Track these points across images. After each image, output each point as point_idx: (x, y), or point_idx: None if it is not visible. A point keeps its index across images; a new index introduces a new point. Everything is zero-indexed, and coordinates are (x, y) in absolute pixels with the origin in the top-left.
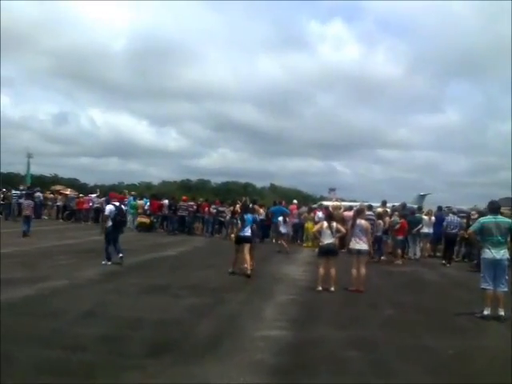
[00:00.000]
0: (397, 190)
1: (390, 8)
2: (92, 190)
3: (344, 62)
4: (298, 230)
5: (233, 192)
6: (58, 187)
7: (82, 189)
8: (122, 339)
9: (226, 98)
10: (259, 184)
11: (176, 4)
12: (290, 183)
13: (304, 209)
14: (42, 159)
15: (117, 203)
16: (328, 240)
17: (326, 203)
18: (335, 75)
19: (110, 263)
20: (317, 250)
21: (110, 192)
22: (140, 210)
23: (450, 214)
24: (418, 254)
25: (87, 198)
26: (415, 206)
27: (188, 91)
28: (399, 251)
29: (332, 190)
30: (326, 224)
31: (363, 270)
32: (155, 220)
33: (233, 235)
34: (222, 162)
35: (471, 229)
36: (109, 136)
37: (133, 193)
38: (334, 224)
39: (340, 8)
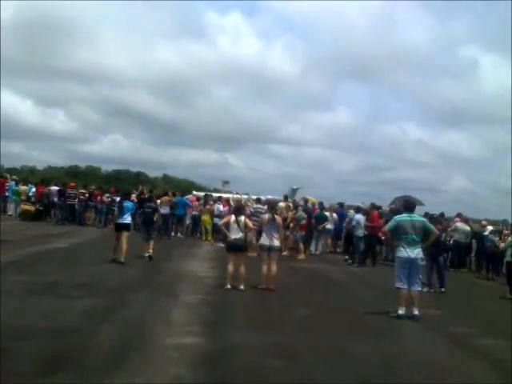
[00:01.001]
0: (289, 185)
1: (289, 7)
2: None
3: (242, 55)
4: (197, 222)
5: (124, 181)
6: None
7: None
8: (5, 353)
9: (121, 83)
10: (152, 174)
11: None
12: (183, 174)
13: (201, 201)
14: None
15: None
16: (236, 235)
17: (224, 195)
18: (232, 68)
19: None
20: (218, 244)
21: None
22: (23, 197)
23: (351, 211)
24: (320, 249)
25: None
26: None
27: (80, 72)
28: (302, 246)
29: (226, 182)
30: (233, 218)
31: (274, 268)
32: (41, 208)
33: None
34: (113, 148)
35: (387, 227)
36: None
37: (14, 177)
38: (242, 218)
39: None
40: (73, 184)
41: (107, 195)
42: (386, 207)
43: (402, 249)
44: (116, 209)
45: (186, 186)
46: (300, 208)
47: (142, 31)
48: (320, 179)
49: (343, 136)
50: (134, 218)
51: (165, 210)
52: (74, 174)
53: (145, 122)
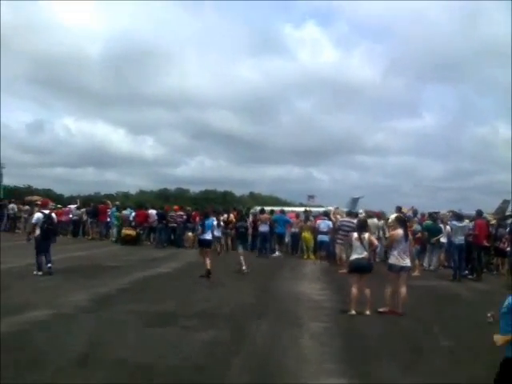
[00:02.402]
0: (374, 197)
1: (365, 10)
2: (69, 200)
3: (321, 66)
4: (297, 240)
5: (212, 201)
6: (34, 198)
7: (58, 200)
8: None
9: (204, 105)
10: (238, 192)
11: (153, 8)
12: (268, 190)
13: (303, 217)
14: (15, 170)
15: (46, 211)
16: (359, 254)
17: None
18: (313, 80)
19: (40, 273)
20: (322, 262)
21: (43, 199)
22: (126, 222)
23: (466, 221)
24: (435, 264)
25: (66, 209)
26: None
27: (165, 98)
28: (417, 262)
29: (311, 196)
30: (356, 235)
31: (404, 290)
32: (141, 232)
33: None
34: (200, 170)
35: None
36: (84, 145)
37: (117, 203)
38: (366, 235)
39: (313, 10)
40: (177, 207)
41: None
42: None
43: None
44: (199, 227)
45: (272, 202)
46: (416, 220)
47: (221, 51)
48: (407, 187)
49: (430, 141)
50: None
51: (264, 228)
52: (165, 196)
53: (229, 142)
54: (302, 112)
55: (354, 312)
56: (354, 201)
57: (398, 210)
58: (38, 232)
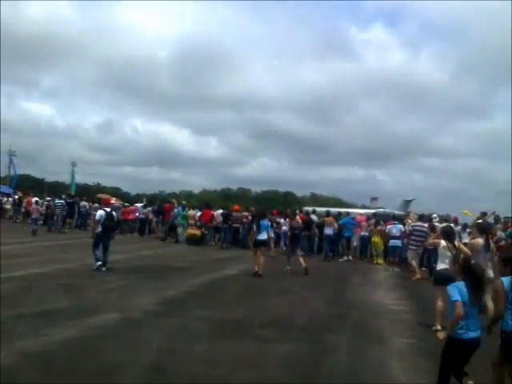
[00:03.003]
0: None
1: (435, 10)
2: (135, 199)
3: (388, 67)
4: (366, 244)
5: (273, 201)
6: (103, 195)
7: (125, 198)
8: None
9: (268, 107)
10: (299, 193)
11: (220, 13)
12: (330, 192)
13: (372, 221)
14: (87, 168)
15: (108, 209)
16: (447, 264)
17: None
18: (379, 81)
19: (104, 269)
20: (394, 268)
21: (105, 198)
22: (191, 221)
23: None
24: None
25: (133, 207)
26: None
27: (230, 100)
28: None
29: (374, 198)
30: (443, 243)
31: (489, 302)
32: (206, 232)
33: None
34: (262, 170)
35: None
36: (151, 145)
37: (184, 202)
38: (456, 244)
39: (380, 12)
40: (237, 207)
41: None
42: None
43: None
44: (254, 227)
45: (334, 203)
46: (499, 227)
47: (286, 54)
48: (475, 191)
49: (501, 144)
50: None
51: (329, 231)
52: (227, 196)
53: (291, 143)
54: (367, 113)
55: (439, 327)
56: (406, 203)
57: (483, 215)
58: (99, 228)
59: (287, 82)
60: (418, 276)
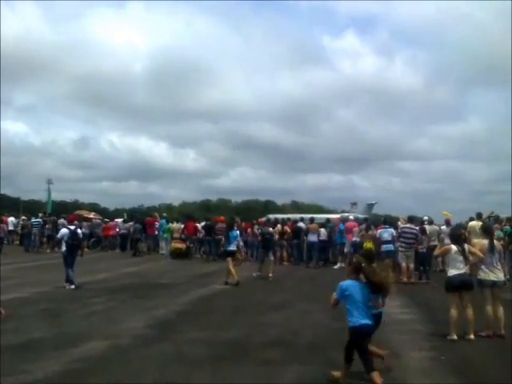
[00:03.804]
0: (418, 202)
1: (404, 16)
2: (114, 214)
3: (362, 74)
4: (358, 250)
5: (253, 210)
6: (82, 212)
7: (103, 214)
8: None
9: (245, 117)
10: (280, 201)
11: (194, 25)
12: (310, 199)
13: (362, 226)
14: (63, 185)
15: (72, 227)
16: (459, 269)
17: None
18: (354, 89)
19: (73, 286)
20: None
21: (71, 215)
22: (176, 235)
23: None
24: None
25: (113, 223)
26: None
27: (207, 111)
28: None
29: (354, 204)
30: (454, 248)
31: (501, 309)
32: (191, 245)
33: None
34: (241, 180)
35: None
36: (128, 159)
37: (164, 215)
38: (466, 247)
39: (351, 20)
40: (221, 218)
41: (257, 227)
42: None
43: None
44: (223, 238)
45: (315, 211)
46: (497, 226)
47: (260, 63)
48: (452, 192)
49: (476, 146)
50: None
51: (312, 238)
52: (207, 207)
53: (269, 152)
54: (343, 120)
55: (455, 337)
56: (369, 207)
57: (478, 216)
58: (63, 247)
59: (263, 92)
60: (404, 279)
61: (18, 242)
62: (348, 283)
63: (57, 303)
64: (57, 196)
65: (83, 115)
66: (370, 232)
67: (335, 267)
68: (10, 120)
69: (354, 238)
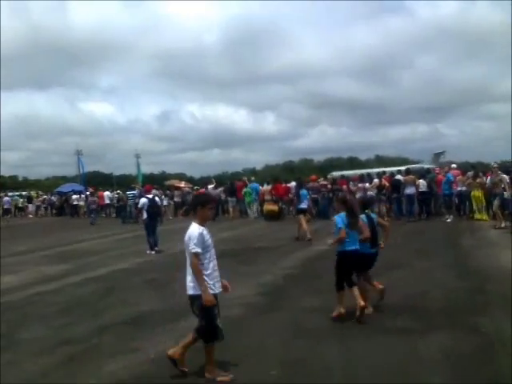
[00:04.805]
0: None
1: None
2: (200, 182)
3: (442, 17)
4: (465, 200)
5: (337, 168)
6: (172, 182)
7: (191, 182)
8: None
9: (322, 75)
10: (363, 156)
11: None
12: (394, 152)
13: (470, 173)
14: (150, 158)
15: (150, 196)
16: None
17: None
18: (434, 33)
19: (153, 252)
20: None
21: (147, 185)
22: (267, 197)
23: None
24: None
25: (203, 190)
26: None
27: (282, 73)
28: None
29: (441, 153)
30: None
31: None
32: (284, 206)
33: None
34: (322, 139)
35: None
36: (209, 128)
37: (253, 178)
38: None
39: None
40: (314, 177)
41: (352, 183)
42: None
43: None
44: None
45: (400, 163)
46: None
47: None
48: None
49: None
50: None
51: (410, 191)
52: (290, 168)
53: (350, 108)
54: (425, 68)
55: None
56: (436, 156)
57: None
58: (145, 215)
59: (340, 47)
60: None
61: (114, 214)
62: (342, 215)
63: (161, 273)
64: (145, 169)
65: (163, 90)
66: (478, 180)
67: (447, 220)
68: (97, 102)
69: (459, 188)
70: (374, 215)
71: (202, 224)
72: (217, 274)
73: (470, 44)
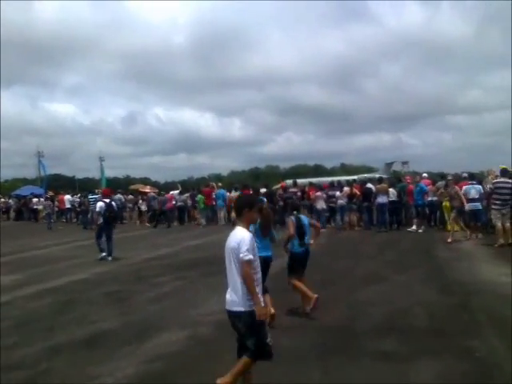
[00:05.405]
0: (472, 157)
1: None
2: (165, 187)
3: (406, 26)
4: (436, 210)
5: (303, 176)
6: (137, 186)
7: (155, 187)
8: None
9: (289, 81)
10: (329, 165)
11: None
12: (359, 160)
13: (441, 183)
14: (115, 161)
15: (107, 200)
16: None
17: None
18: (399, 42)
19: (104, 254)
20: (477, 235)
21: (104, 189)
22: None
23: None
24: None
25: (169, 195)
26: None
27: (250, 78)
28: None
29: (404, 163)
30: None
31: None
32: None
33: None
34: (288, 146)
35: None
36: (175, 132)
37: (220, 184)
38: None
39: None
40: (283, 184)
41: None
42: None
43: None
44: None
45: (366, 172)
46: None
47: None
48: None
49: None
50: None
51: (382, 200)
52: (256, 175)
53: (316, 116)
54: (390, 77)
55: None
56: (388, 165)
57: None
58: (100, 220)
59: (305, 54)
60: (502, 241)
61: (75, 219)
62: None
63: (121, 284)
64: (109, 173)
65: (128, 92)
66: (448, 190)
67: (419, 230)
68: (59, 102)
69: (430, 198)
70: (303, 217)
71: (248, 228)
72: (261, 287)
73: (433, 54)
